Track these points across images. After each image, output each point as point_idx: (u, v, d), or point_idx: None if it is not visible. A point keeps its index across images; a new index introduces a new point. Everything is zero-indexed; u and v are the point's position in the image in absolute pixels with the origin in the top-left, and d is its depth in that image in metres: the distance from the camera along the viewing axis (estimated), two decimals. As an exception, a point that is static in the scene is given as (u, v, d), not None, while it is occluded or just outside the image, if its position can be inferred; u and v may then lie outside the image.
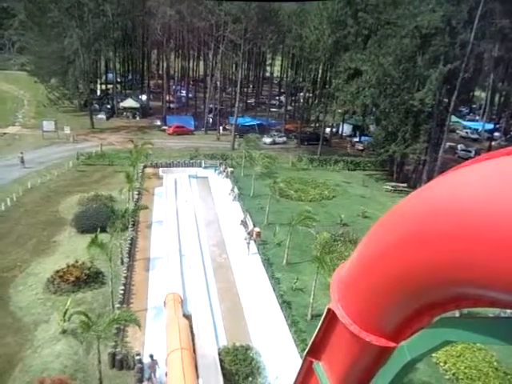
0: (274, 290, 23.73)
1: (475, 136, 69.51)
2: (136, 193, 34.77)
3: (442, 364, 19.62)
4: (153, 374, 17.24)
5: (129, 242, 27.34)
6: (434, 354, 19.76)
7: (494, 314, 10.23)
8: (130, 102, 67.24)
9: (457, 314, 3.46)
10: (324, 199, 38.84)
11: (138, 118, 65.44)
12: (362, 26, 48.06)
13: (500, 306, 2.78)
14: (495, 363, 19.69)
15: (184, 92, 79.11)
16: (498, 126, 70.06)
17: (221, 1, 52.43)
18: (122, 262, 25.30)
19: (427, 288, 3.01)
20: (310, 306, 21.66)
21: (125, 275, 23.77)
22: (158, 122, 62.62)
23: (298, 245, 28.23)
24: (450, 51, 41.56)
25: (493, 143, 59.55)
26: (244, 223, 31.02)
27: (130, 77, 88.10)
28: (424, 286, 3.01)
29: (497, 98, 76.29)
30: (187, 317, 20.28)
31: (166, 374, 16.52)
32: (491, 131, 64.58)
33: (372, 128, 58.25)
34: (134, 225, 29.89)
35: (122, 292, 22.26)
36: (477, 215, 2.36)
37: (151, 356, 17.55)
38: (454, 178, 2.84)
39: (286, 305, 22.47)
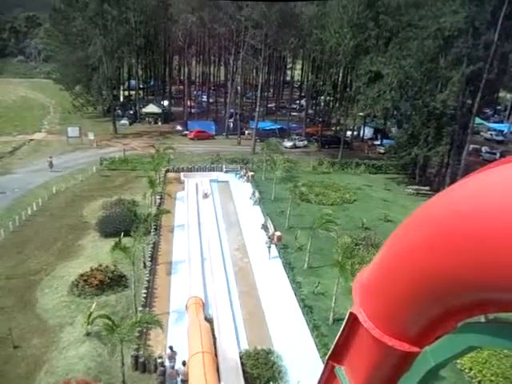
0: (296, 294, 23.66)
1: (500, 138, 68.11)
2: (158, 197, 35.15)
3: (467, 371, 19.22)
4: (172, 365, 17.75)
5: (151, 245, 27.65)
6: (458, 361, 19.39)
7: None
8: (152, 108, 68.12)
9: (482, 319, 3.41)
10: (345, 203, 38.57)
11: (159, 124, 66.24)
12: (383, 29, 47.69)
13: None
14: (523, 371, 19.19)
15: (205, 97, 79.73)
16: (523, 127, 68.61)
17: (239, 0, 52.61)
18: (145, 266, 25.58)
19: (451, 292, 2.98)
20: (332, 310, 21.52)
21: (147, 279, 24.03)
22: (180, 127, 63.24)
23: (319, 249, 28.10)
24: (473, 52, 40.85)
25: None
26: (265, 227, 31.03)
27: (151, 83, 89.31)
28: (448, 290, 2.98)
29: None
30: (209, 320, 20.38)
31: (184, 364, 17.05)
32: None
33: (394, 131, 57.65)
34: (156, 229, 30.21)
35: (144, 295, 22.51)
36: (501, 218, 2.34)
37: (171, 347, 18.23)
38: (478, 181, 2.81)
39: (307, 309, 22.38)
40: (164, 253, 28.04)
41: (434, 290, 3.06)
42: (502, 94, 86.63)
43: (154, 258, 26.83)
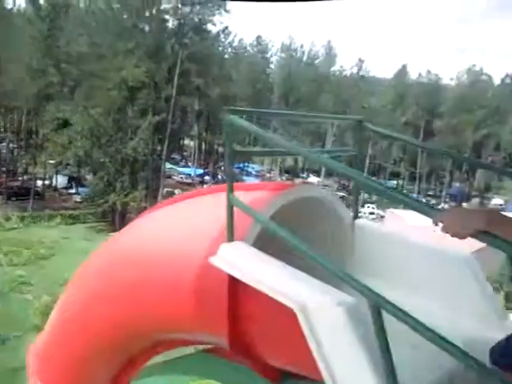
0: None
1: (189, 180, 76.15)
2: None
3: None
4: None
5: None
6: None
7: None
8: None
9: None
10: (41, 259, 35.47)
11: None
12: (68, 77, 47.39)
13: (196, 343, 2.94)
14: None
15: None
16: (206, 170, 79.28)
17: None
18: None
19: (123, 343, 2.92)
20: None
21: None
22: None
23: (11, 315, 24.64)
24: (157, 104, 44.96)
25: (204, 186, 66.47)
26: None
27: None
28: (120, 341, 2.91)
29: (203, 146, 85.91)
30: None
31: None
32: (202, 175, 72.47)
33: (89, 178, 57.01)
34: None
35: None
36: (146, 264, 2.42)
37: None
38: (132, 228, 2.90)
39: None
40: None
41: (109, 345, 2.95)
42: (186, 141, 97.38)
43: None
